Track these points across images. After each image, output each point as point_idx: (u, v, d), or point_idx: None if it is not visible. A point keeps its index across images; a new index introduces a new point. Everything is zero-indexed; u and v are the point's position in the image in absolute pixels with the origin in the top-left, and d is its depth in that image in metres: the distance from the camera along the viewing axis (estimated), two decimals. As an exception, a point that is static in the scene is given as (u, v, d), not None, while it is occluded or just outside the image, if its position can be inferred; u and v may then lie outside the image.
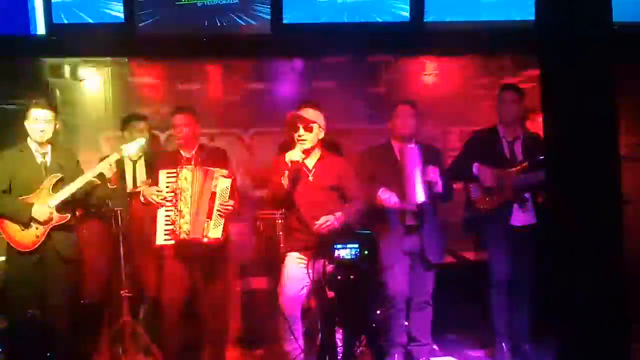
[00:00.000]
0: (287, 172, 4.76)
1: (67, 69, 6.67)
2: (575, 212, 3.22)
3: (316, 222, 4.72)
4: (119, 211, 5.57)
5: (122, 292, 5.55)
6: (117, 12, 6.12)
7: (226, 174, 5.15)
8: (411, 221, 5.28)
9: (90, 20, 6.13)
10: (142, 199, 5.25)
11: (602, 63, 3.24)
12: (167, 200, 5.12)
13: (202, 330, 5.43)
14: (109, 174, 5.19)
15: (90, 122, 6.66)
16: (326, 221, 4.70)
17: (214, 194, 5.10)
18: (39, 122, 5.08)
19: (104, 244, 5.85)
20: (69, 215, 5.14)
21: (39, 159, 5.16)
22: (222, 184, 5.12)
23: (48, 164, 5.16)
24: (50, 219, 5.04)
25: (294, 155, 4.78)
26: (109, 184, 5.21)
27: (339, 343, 4.18)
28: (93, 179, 5.17)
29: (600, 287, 3.16)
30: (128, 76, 6.78)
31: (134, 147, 5.30)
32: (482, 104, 6.93)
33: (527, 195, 5.49)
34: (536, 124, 5.92)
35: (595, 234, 3.19)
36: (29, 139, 5.16)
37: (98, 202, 5.39)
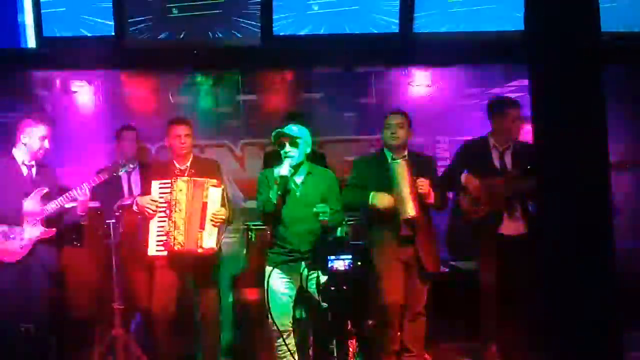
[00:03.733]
0: (275, 186, 4.75)
1: (57, 82, 6.67)
2: (565, 219, 3.24)
3: (315, 209, 4.68)
4: (110, 224, 5.56)
5: (114, 304, 5.54)
6: (108, 24, 6.12)
7: (216, 184, 5.16)
8: (405, 231, 5.26)
9: (81, 33, 6.13)
10: (135, 208, 5.26)
11: (591, 72, 3.28)
12: (160, 211, 5.12)
13: (194, 341, 5.43)
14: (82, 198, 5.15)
15: (81, 134, 6.65)
16: (324, 212, 4.68)
17: (205, 204, 5.10)
18: (33, 137, 5.09)
19: (96, 257, 5.82)
20: (54, 230, 5.13)
21: (25, 172, 5.15)
22: (212, 193, 5.12)
23: (34, 177, 5.16)
24: (38, 232, 5.04)
25: (283, 170, 4.75)
26: (78, 212, 5.19)
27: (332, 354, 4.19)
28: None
29: (592, 295, 3.19)
30: (119, 88, 6.78)
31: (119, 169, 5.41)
32: (471, 114, 6.97)
33: (516, 204, 5.51)
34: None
35: (586, 241, 3.21)
36: (15, 150, 5.15)
37: (70, 224, 5.36)
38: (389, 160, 5.37)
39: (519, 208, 5.51)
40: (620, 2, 6.30)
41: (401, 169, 5.17)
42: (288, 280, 4.87)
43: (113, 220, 5.56)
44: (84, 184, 5.16)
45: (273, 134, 4.90)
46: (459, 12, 6.46)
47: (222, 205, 5.15)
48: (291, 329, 4.93)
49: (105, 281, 5.70)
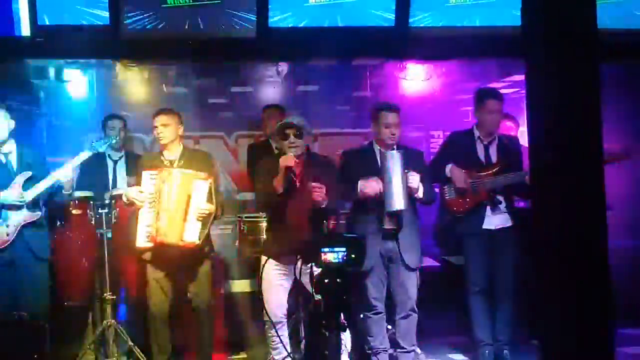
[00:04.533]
0: (281, 176, 4.75)
1: (51, 71, 6.64)
2: (559, 214, 3.24)
3: (312, 184, 4.72)
4: (103, 213, 5.54)
5: (106, 294, 5.53)
6: (103, 13, 6.09)
7: (204, 177, 5.12)
8: (389, 225, 5.23)
9: (76, 22, 6.09)
10: (124, 199, 5.24)
11: (588, 69, 3.27)
12: (150, 201, 5.10)
13: (187, 333, 5.42)
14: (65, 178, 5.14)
15: (75, 123, 6.63)
16: (320, 188, 4.72)
17: (189, 197, 5.06)
18: None
19: (87, 246, 5.81)
20: (39, 213, 5.12)
21: (4, 159, 5.13)
22: (198, 187, 5.07)
23: (15, 163, 5.14)
24: (21, 217, 5.03)
25: (289, 161, 4.74)
26: (63, 191, 5.16)
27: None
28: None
29: (585, 291, 3.18)
30: (113, 78, 6.76)
31: (101, 144, 5.32)
32: (466, 109, 6.97)
33: (499, 197, 5.49)
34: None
35: (580, 236, 3.21)
36: None
37: (59, 206, 5.34)
38: (377, 153, 5.33)
39: (503, 202, 5.49)
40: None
41: (395, 160, 5.13)
42: (283, 271, 4.87)
43: (106, 210, 5.55)
44: (66, 164, 5.14)
45: (279, 125, 4.91)
46: (456, 6, 6.44)
47: (209, 199, 5.10)
48: (285, 320, 4.95)
49: (97, 271, 5.70)
